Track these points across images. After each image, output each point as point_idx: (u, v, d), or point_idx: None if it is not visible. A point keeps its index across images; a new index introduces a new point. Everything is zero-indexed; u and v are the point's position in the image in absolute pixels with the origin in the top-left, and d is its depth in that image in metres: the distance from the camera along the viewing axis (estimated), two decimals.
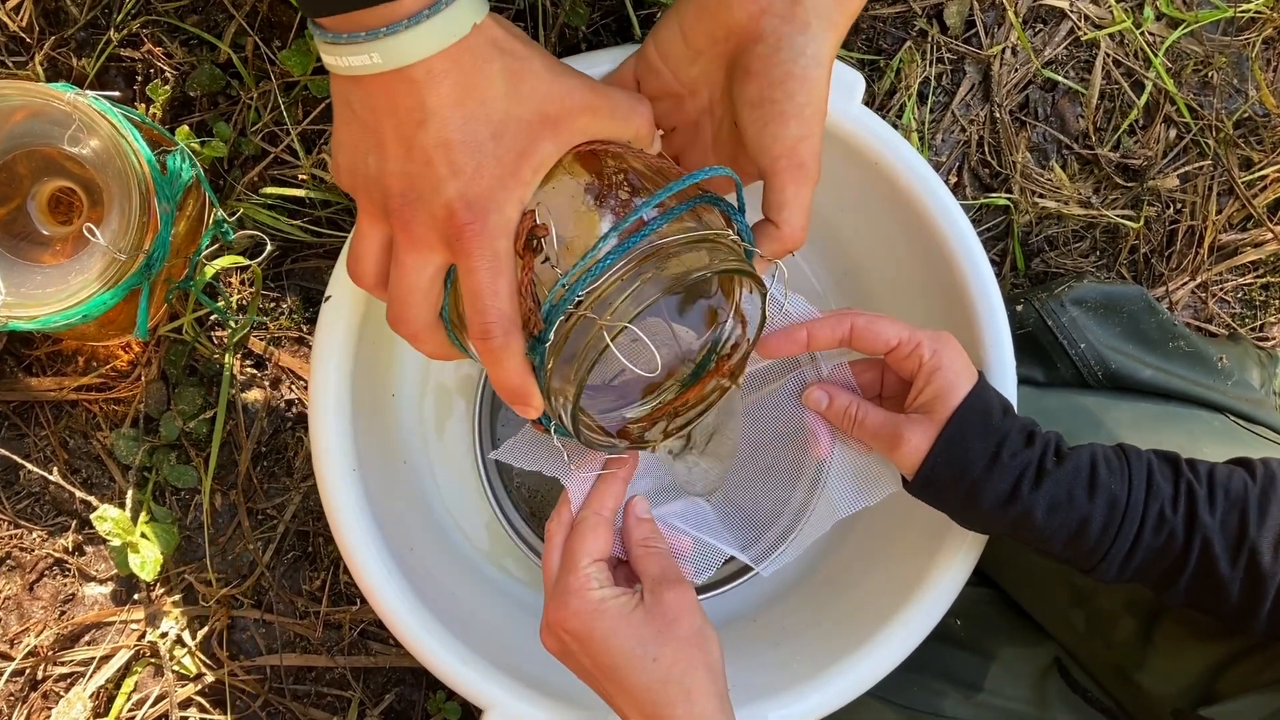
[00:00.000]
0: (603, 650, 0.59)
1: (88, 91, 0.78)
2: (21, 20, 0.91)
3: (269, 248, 0.92)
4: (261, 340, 0.96)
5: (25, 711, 0.93)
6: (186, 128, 0.91)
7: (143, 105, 0.93)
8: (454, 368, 0.89)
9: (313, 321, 0.93)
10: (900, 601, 0.75)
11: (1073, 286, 0.88)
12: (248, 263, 0.93)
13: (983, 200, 1.00)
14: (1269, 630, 0.63)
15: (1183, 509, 0.62)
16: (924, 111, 0.99)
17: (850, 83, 0.76)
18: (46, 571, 0.95)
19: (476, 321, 0.51)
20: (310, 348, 0.95)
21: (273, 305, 0.96)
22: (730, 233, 0.55)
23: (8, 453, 0.94)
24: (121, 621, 0.95)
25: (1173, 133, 1.02)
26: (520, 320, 0.52)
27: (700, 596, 0.85)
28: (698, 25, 0.57)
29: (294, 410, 0.97)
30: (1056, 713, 0.80)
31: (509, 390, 0.53)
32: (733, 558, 0.71)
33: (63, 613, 0.95)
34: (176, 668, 0.93)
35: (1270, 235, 1.03)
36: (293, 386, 0.97)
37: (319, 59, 0.51)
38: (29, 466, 0.94)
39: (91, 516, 0.90)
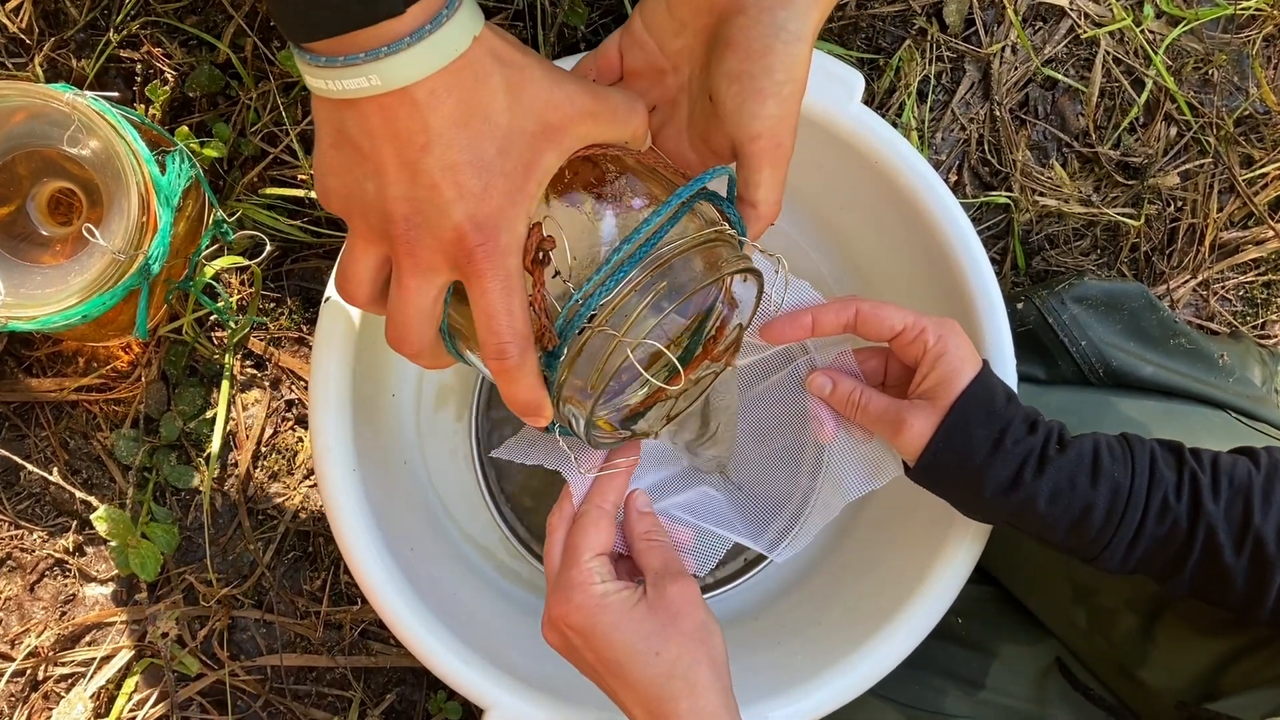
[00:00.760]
0: (606, 645, 0.58)
1: (87, 92, 0.78)
2: (21, 22, 0.91)
3: (268, 248, 0.92)
4: (261, 341, 0.96)
5: (26, 712, 0.93)
6: (186, 128, 0.91)
7: (142, 106, 0.93)
8: (453, 368, 0.89)
9: (312, 322, 0.93)
10: (901, 599, 0.75)
11: (1073, 284, 0.88)
12: (247, 263, 0.92)
13: (983, 199, 1.00)
14: (1275, 619, 0.62)
15: (1186, 497, 0.62)
16: (924, 110, 0.99)
17: (850, 81, 0.76)
18: (47, 572, 0.95)
19: (491, 342, 0.50)
20: (310, 348, 0.95)
21: (273, 306, 0.96)
22: (727, 226, 0.55)
23: (8, 453, 0.94)
24: (122, 622, 0.95)
25: (1173, 130, 1.02)
26: (534, 337, 0.51)
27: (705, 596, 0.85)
28: None
29: (294, 410, 0.97)
30: (1058, 711, 0.80)
31: (522, 405, 0.53)
32: (733, 555, 0.71)
33: (63, 613, 0.95)
34: (177, 668, 0.93)
35: (1271, 233, 1.03)
36: (293, 387, 0.97)
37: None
38: (29, 467, 0.94)
39: (91, 517, 0.90)
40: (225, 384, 0.95)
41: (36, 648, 0.93)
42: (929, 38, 0.98)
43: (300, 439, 0.96)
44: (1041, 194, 1.00)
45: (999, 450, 0.63)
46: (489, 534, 0.89)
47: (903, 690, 0.80)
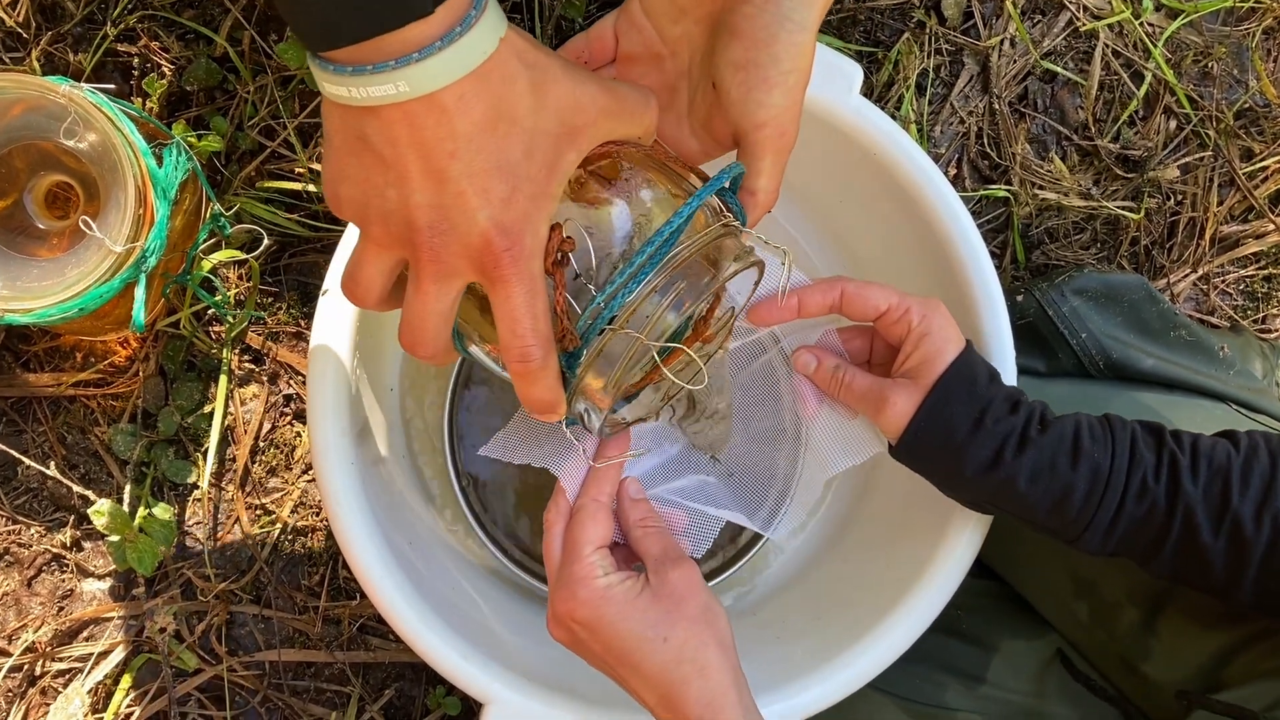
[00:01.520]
0: (613, 636, 0.58)
1: (83, 85, 0.78)
2: (18, 15, 0.91)
3: (266, 242, 0.92)
4: (260, 335, 0.96)
5: (23, 708, 0.93)
6: (183, 122, 0.91)
7: (139, 100, 0.92)
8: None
9: (310, 316, 0.92)
10: (901, 593, 0.75)
11: (1073, 276, 0.88)
12: (245, 257, 0.92)
13: (982, 192, 0.99)
14: (1255, 602, 0.62)
15: (1165, 478, 0.62)
16: (922, 103, 0.99)
17: (848, 74, 0.76)
18: (45, 567, 0.95)
19: (515, 346, 0.49)
20: (308, 343, 0.95)
21: (271, 300, 0.96)
22: (731, 218, 0.55)
23: (6, 448, 0.94)
24: (120, 617, 0.94)
25: (1173, 124, 1.01)
26: (555, 338, 0.51)
27: None
28: None
29: (292, 405, 0.96)
30: (1058, 705, 0.80)
31: (539, 404, 0.52)
32: (729, 539, 0.71)
33: (61, 608, 0.95)
34: (175, 663, 0.93)
35: (1272, 226, 1.03)
36: (291, 381, 0.96)
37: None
38: (27, 462, 0.94)
39: (89, 511, 0.89)
40: (223, 379, 0.94)
41: (34, 643, 0.93)
42: (927, 30, 0.98)
43: (299, 434, 0.96)
44: (1041, 187, 1.00)
45: (980, 429, 0.63)
46: (484, 527, 0.89)
47: (903, 684, 0.80)
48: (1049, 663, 0.83)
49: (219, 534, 0.96)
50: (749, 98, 0.55)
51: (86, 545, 0.95)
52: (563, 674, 0.74)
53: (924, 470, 0.67)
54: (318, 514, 0.96)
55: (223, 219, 0.91)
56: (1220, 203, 1.02)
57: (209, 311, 0.94)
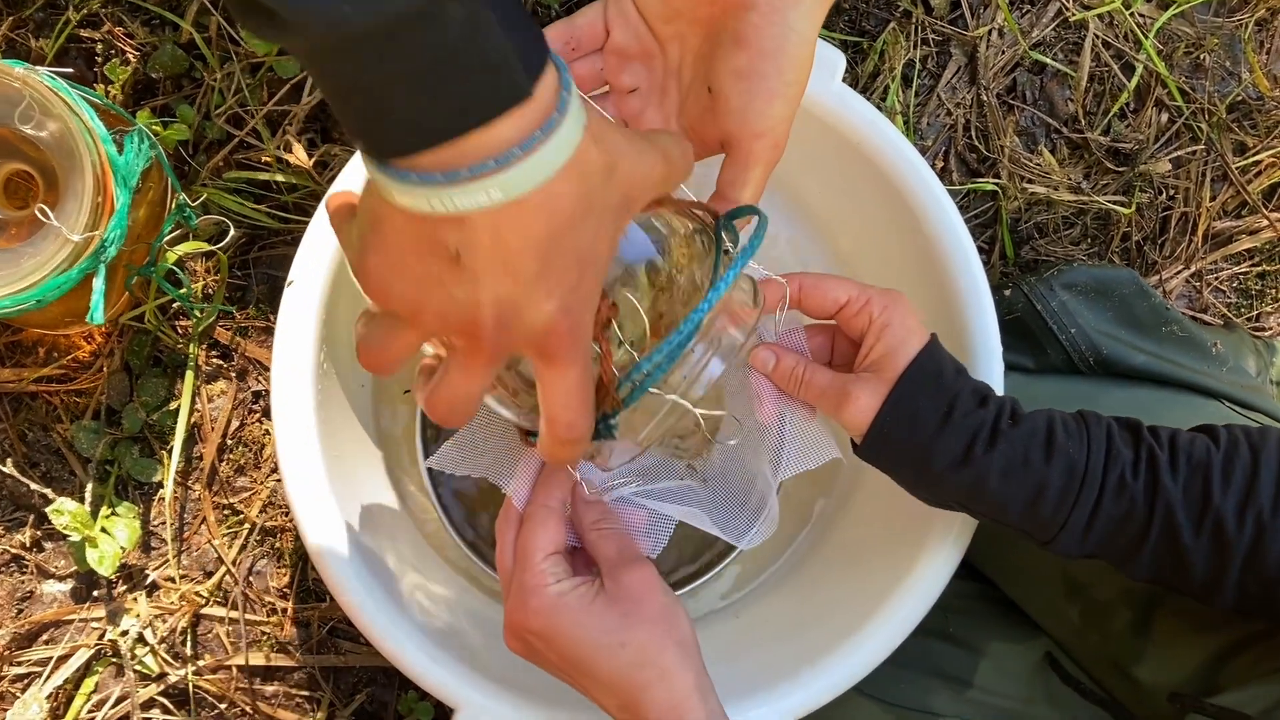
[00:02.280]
0: (570, 644, 0.56)
1: (40, 68, 0.75)
2: None
3: (233, 233, 0.89)
4: (228, 330, 0.93)
5: None
6: (148, 110, 0.88)
7: (103, 86, 0.90)
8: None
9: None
10: (884, 596, 0.74)
11: (1062, 270, 0.86)
12: (212, 249, 0.90)
13: (970, 185, 0.97)
14: (1236, 604, 0.61)
15: (1144, 475, 0.60)
16: (909, 95, 0.97)
17: (831, 60, 0.74)
18: (3, 568, 0.92)
19: (564, 419, 0.48)
20: None
21: (239, 295, 0.93)
22: (732, 246, 0.55)
23: None
24: (81, 620, 0.92)
25: (1164, 116, 0.99)
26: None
27: (681, 591, 0.83)
28: None
29: (261, 402, 0.94)
30: (1047, 709, 0.78)
31: (563, 462, 0.53)
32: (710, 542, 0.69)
33: (20, 610, 0.92)
34: (138, 667, 0.90)
35: (1266, 222, 1.01)
36: (260, 378, 0.94)
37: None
38: None
39: (49, 510, 0.87)
40: (190, 374, 0.92)
41: None
42: (914, 20, 0.96)
43: (267, 431, 0.94)
44: (1030, 181, 0.98)
45: (948, 423, 0.61)
46: (455, 531, 0.87)
47: (890, 689, 0.79)
48: (1038, 666, 0.81)
49: (185, 534, 0.93)
50: (750, 107, 0.55)
51: (47, 546, 0.93)
52: (534, 678, 0.72)
53: (891, 469, 0.64)
54: (287, 514, 0.93)
55: (189, 210, 0.88)
56: (1213, 198, 1.01)
57: (175, 305, 0.92)
